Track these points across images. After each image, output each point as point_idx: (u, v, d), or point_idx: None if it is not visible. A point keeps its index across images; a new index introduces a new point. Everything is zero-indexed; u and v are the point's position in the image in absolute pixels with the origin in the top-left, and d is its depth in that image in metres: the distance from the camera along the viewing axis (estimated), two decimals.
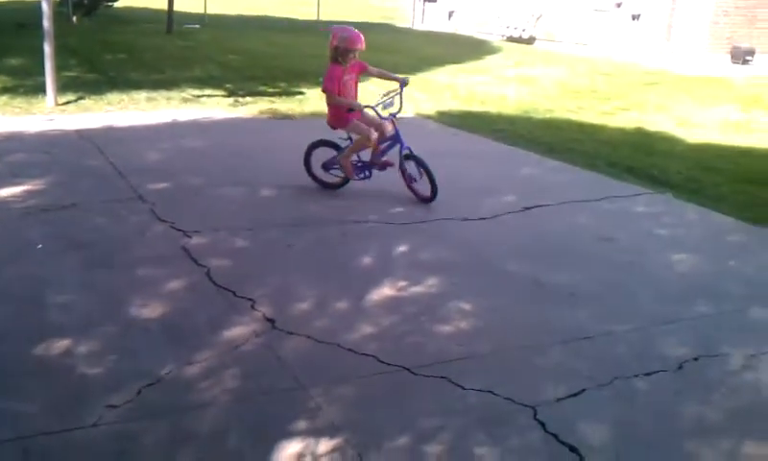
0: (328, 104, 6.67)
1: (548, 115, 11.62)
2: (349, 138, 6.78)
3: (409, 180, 6.80)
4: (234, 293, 4.73)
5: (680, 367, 4.14)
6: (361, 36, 6.47)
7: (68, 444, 3.26)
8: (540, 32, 22.55)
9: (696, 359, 4.24)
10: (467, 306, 4.73)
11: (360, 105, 6.51)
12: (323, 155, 7.06)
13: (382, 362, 4.01)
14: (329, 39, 6.51)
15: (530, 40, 22.54)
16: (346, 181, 7.03)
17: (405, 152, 6.71)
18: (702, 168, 8.54)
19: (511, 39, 22.81)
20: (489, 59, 18.51)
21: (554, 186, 7.63)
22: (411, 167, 6.74)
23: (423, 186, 6.72)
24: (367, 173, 6.97)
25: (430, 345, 4.26)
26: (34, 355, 3.90)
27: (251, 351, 4.09)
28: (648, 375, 4.03)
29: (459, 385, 3.83)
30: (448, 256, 5.60)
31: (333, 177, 7.07)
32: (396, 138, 6.72)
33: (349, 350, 4.13)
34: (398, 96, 6.66)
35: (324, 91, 6.63)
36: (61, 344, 3.99)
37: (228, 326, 4.33)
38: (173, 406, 3.56)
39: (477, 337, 4.38)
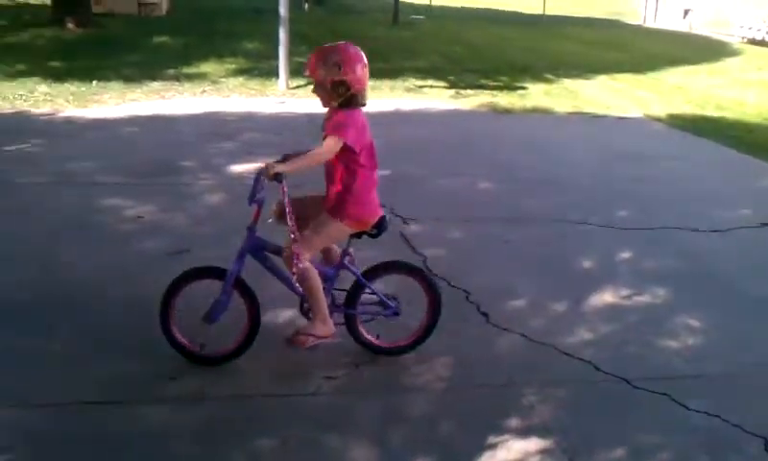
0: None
1: None
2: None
3: None
4: (449, 283, 4.74)
5: None
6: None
7: (287, 408, 3.44)
8: None
9: None
10: (694, 322, 4.44)
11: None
12: None
13: (599, 370, 3.86)
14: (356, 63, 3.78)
15: None
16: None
17: None
18: None
19: (752, 42, 21.20)
20: (727, 61, 17.31)
21: None
22: None
23: None
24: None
25: (652, 358, 4.04)
26: (263, 324, 4.11)
27: (464, 342, 4.08)
28: None
29: (682, 404, 3.60)
30: (675, 267, 5.28)
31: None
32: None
33: (565, 353, 4.01)
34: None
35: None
36: (286, 314, 4.18)
37: (443, 315, 4.33)
38: (387, 385, 3.64)
39: (705, 356, 4.10)
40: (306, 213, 3.71)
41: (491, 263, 5.18)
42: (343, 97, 3.60)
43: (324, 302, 3.64)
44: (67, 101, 9.43)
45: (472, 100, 10.94)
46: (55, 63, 11.70)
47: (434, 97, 11.09)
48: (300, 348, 3.66)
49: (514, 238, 5.64)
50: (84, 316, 4.12)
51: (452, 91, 11.47)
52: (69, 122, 8.47)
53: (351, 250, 3.83)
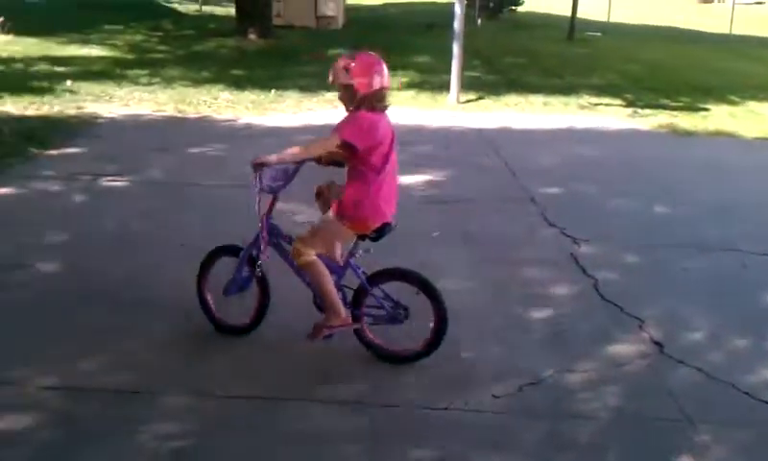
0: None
1: None
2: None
3: None
4: (621, 309, 4.54)
5: None
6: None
7: (447, 422, 3.39)
8: None
9: None
10: None
11: None
12: None
13: None
14: (378, 73, 3.69)
15: None
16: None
17: None
18: None
19: None
20: None
21: None
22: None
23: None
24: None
25: None
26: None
27: (635, 372, 3.88)
28: None
29: None
30: None
31: None
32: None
33: (746, 393, 3.72)
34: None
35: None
36: (452, 329, 4.11)
37: (613, 341, 4.16)
38: (552, 410, 3.52)
39: None
40: (330, 201, 3.83)
41: (666, 291, 4.89)
42: (354, 100, 3.64)
43: (332, 293, 3.68)
44: (247, 108, 9.88)
45: (650, 120, 10.48)
46: (237, 72, 12.32)
47: (609, 115, 10.72)
48: (317, 339, 3.72)
49: (692, 266, 5.32)
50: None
51: (629, 110, 11.05)
52: (248, 128, 8.86)
53: (360, 251, 3.79)
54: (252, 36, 16.08)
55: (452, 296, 4.54)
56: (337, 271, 3.80)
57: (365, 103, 3.63)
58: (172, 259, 4.90)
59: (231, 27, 16.90)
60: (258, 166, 3.63)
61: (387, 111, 3.74)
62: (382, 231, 3.73)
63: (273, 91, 10.88)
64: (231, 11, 17.95)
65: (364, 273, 3.82)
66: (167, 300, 4.37)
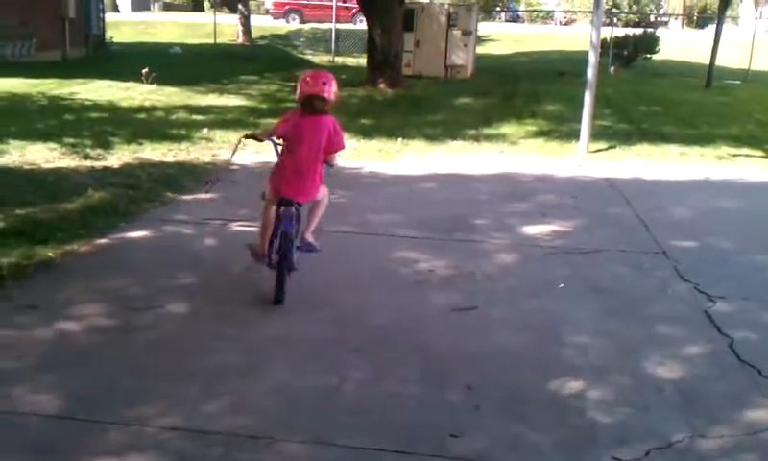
0: (315, 169, 5.07)
1: None
2: (296, 217, 5.07)
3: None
4: (760, 372, 4.24)
5: None
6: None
7: None
8: None
9: None
10: None
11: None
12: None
13: None
14: (325, 86, 4.99)
15: None
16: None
17: None
18: None
19: None
20: None
21: None
22: None
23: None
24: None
25: None
26: (548, 389, 3.97)
27: None
28: None
29: None
30: None
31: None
32: None
33: None
34: None
35: (336, 151, 5.16)
36: (575, 384, 3.99)
37: (750, 406, 3.88)
38: None
39: None
40: None
41: None
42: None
43: (261, 236, 5.15)
44: (373, 156, 10.02)
45: None
46: (365, 121, 12.56)
47: (750, 166, 10.21)
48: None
49: None
50: (373, 360, 4.24)
51: None
52: (373, 176, 8.98)
53: (282, 210, 4.97)
54: (382, 86, 16.41)
55: (577, 351, 4.44)
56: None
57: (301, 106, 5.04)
58: (296, 305, 4.97)
59: (362, 77, 17.31)
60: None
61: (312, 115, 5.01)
62: (281, 201, 4.98)
63: (399, 140, 11.01)
64: (363, 61, 18.42)
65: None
66: (290, 346, 4.42)
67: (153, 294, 5.07)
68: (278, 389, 3.90)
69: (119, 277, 5.36)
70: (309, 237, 5.29)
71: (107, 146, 9.51)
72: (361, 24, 21.12)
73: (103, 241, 6.08)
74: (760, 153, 11.03)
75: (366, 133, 11.42)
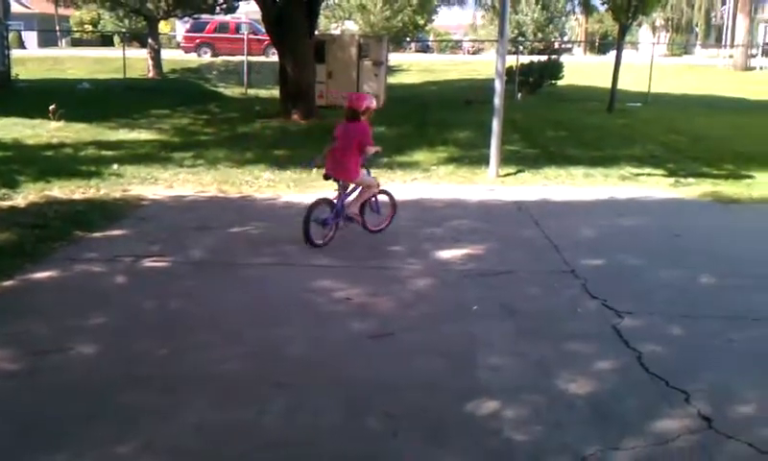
0: (348, 156, 7.11)
1: None
2: (343, 189, 7.27)
3: (369, 217, 7.51)
4: (667, 383, 4.40)
5: None
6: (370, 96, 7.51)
7: None
8: None
9: None
10: None
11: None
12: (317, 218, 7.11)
13: None
14: (358, 102, 7.23)
15: None
16: (332, 235, 7.21)
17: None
18: None
19: None
20: None
21: None
22: (378, 201, 7.63)
23: (383, 218, 7.66)
24: (376, 208, 7.60)
25: None
26: (465, 411, 4.02)
27: (682, 448, 3.73)
28: None
29: None
30: None
31: (326, 232, 7.15)
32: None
33: None
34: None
35: (366, 144, 7.13)
36: (491, 405, 4.06)
37: (659, 417, 4.02)
38: None
39: None
40: None
41: (713, 364, 4.74)
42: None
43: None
44: (288, 186, 10.01)
45: (694, 189, 10.37)
46: (279, 152, 12.56)
47: (652, 186, 10.64)
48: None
49: (738, 337, 5.16)
50: (292, 392, 4.22)
51: (671, 180, 10.95)
52: (289, 206, 8.96)
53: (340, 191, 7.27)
54: (296, 117, 16.44)
55: (492, 372, 4.52)
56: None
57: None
58: (212, 340, 4.92)
59: (275, 109, 17.30)
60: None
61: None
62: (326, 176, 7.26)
63: (314, 169, 11.02)
64: (276, 93, 18.41)
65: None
66: (208, 381, 4.36)
67: (61, 335, 4.92)
68: (196, 426, 3.84)
69: (25, 319, 5.18)
70: (351, 210, 7.30)
71: (12, 185, 9.21)
72: (273, 56, 21.12)
73: (8, 283, 5.87)
74: (661, 172, 11.51)
75: (280, 164, 11.40)
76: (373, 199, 7.55)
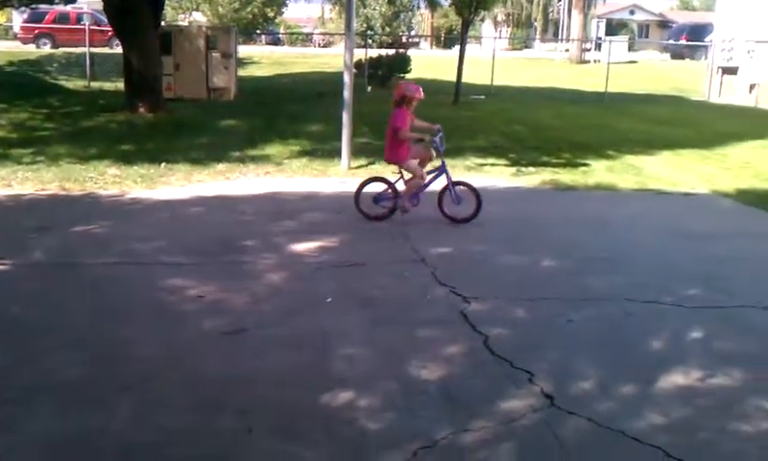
0: (393, 140, 7.80)
1: None
2: (400, 173, 8.02)
3: (447, 205, 7.95)
4: (512, 364, 4.61)
5: None
6: (420, 88, 7.87)
7: None
8: None
9: None
10: None
11: (427, 137, 7.92)
12: (369, 195, 8.03)
13: (670, 456, 3.65)
14: (396, 90, 8.02)
15: None
16: (391, 212, 7.99)
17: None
18: None
19: None
20: None
21: None
22: (455, 193, 7.91)
23: (464, 209, 7.90)
24: (416, 201, 8.00)
25: (725, 444, 3.82)
26: (320, 403, 4.06)
27: (528, 426, 3.93)
28: None
29: None
30: (748, 348, 5.03)
31: (381, 209, 8.03)
32: (441, 169, 7.98)
33: (634, 438, 3.81)
34: (442, 136, 7.93)
35: (396, 129, 7.69)
36: (345, 395, 4.12)
37: (505, 397, 4.21)
38: None
39: None
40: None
41: (554, 344, 5.02)
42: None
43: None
44: (135, 182, 9.70)
45: (534, 178, 10.87)
46: (125, 147, 12.12)
47: (495, 175, 11.06)
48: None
49: (578, 318, 5.48)
50: (142, 395, 4.12)
51: (514, 169, 11.43)
52: (136, 202, 8.70)
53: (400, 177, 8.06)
54: (142, 110, 15.90)
55: (346, 362, 4.58)
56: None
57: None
58: (56, 345, 4.71)
59: (121, 102, 16.66)
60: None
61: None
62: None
63: (162, 165, 10.73)
64: (121, 85, 17.71)
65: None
66: (51, 389, 4.17)
67: None
68: (40, 437, 3.67)
69: None
70: (402, 201, 7.93)
71: None
72: (118, 48, 20.26)
73: None
74: (504, 161, 12.00)
75: (127, 159, 11.02)
76: (454, 189, 7.93)
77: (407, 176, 8.02)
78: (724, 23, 26.15)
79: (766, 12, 23.33)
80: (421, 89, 7.87)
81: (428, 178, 8.05)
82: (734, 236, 8.00)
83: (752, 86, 24.43)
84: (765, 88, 23.84)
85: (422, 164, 8.03)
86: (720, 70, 26.11)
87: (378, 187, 8.14)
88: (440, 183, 8.04)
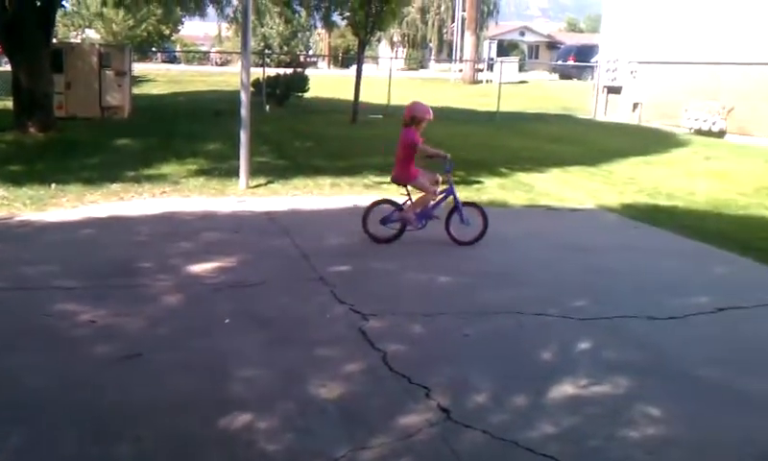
0: (404, 160, 7.97)
1: (742, 212, 10.95)
2: (408, 195, 8.08)
3: (454, 227, 8.09)
4: (409, 379, 4.69)
5: None
6: (430, 109, 7.95)
7: None
8: (732, 125, 21.53)
9: None
10: (655, 412, 4.42)
11: (447, 154, 8.00)
12: (379, 214, 8.13)
13: None
14: (406, 111, 8.01)
15: (720, 133, 21.57)
16: (399, 233, 8.07)
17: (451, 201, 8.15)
18: None
19: (699, 132, 21.95)
20: (676, 152, 17.86)
21: (750, 287, 7.11)
22: (463, 214, 8.01)
23: (472, 231, 8.02)
24: (423, 223, 8.12)
25: (613, 451, 4.00)
26: (218, 426, 4.03)
27: (425, 441, 4.01)
28: None
29: None
30: (633, 357, 5.29)
31: (390, 230, 8.08)
32: (449, 191, 8.10)
33: (528, 449, 3.95)
34: (451, 160, 8.05)
35: (413, 145, 7.83)
36: (244, 418, 4.10)
37: (403, 413, 4.28)
38: None
39: (667, 446, 4.07)
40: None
41: (450, 358, 5.14)
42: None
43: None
44: (24, 204, 9.35)
45: None
46: (14, 167, 11.69)
47: (394, 193, 11.16)
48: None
49: (473, 331, 5.63)
50: (32, 426, 3.99)
51: None
52: (25, 225, 8.40)
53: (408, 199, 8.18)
54: (32, 130, 15.37)
55: (245, 384, 4.56)
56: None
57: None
58: None
59: (9, 121, 16.04)
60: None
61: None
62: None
63: (53, 185, 10.39)
64: (9, 104, 17.05)
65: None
66: None
67: None
68: None
69: None
70: (406, 213, 8.07)
71: None
72: (6, 66, 19.52)
73: None
74: None
75: (16, 180, 10.60)
76: (461, 212, 8.03)
77: (415, 196, 8.12)
78: (608, 45, 27.32)
79: (647, 34, 24.54)
80: (431, 110, 7.97)
81: (438, 198, 8.17)
82: (619, 249, 8.38)
83: (635, 105, 25.61)
84: (647, 107, 25.05)
85: (425, 199, 8.15)
86: (605, 89, 27.26)
87: (385, 210, 8.21)
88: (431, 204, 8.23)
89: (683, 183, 13.17)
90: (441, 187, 8.14)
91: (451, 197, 8.14)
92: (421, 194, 8.10)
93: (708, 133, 21.67)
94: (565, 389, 4.68)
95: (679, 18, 23.17)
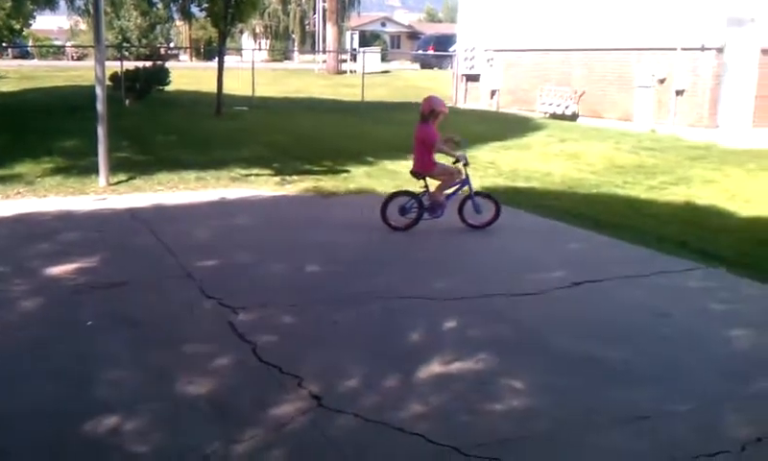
0: (422, 153, 8.27)
1: (594, 191, 11.55)
2: (426, 186, 8.38)
3: (468, 213, 8.40)
4: (280, 369, 4.69)
5: (743, 448, 3.96)
6: (445, 103, 8.49)
7: None
8: (584, 108, 22.61)
9: (759, 440, 4.06)
10: (518, 384, 4.61)
11: (464, 154, 8.40)
12: (396, 206, 8.35)
13: (431, 442, 3.91)
14: (423, 105, 8.35)
15: (573, 117, 22.60)
16: (416, 221, 8.29)
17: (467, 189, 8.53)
18: (756, 242, 8.35)
19: (554, 116, 22.91)
20: (532, 135, 18.59)
21: (603, 261, 7.51)
22: (476, 202, 8.37)
23: (484, 217, 8.39)
24: (440, 212, 8.39)
25: (481, 424, 4.15)
26: (82, 433, 3.90)
27: (297, 429, 4.02)
28: (710, 456, 3.86)
29: None
30: (496, 333, 5.49)
31: (407, 220, 8.31)
32: (465, 181, 8.51)
33: (398, 428, 4.03)
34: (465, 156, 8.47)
35: (432, 143, 8.21)
36: (110, 421, 3.98)
37: (275, 403, 4.27)
38: None
39: (530, 417, 4.26)
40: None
41: (321, 345, 5.17)
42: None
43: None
44: None
45: (298, 185, 11.07)
46: None
47: (260, 185, 11.12)
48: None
49: (342, 318, 5.69)
50: None
51: (278, 178, 11.57)
52: None
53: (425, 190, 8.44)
54: None
55: (111, 387, 4.43)
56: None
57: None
58: None
59: None
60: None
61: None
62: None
63: None
64: None
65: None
66: None
67: None
68: None
69: None
70: (434, 197, 8.37)
71: None
72: None
73: None
74: (268, 171, 12.11)
75: None
76: (475, 199, 8.37)
77: (432, 187, 8.44)
78: (466, 34, 28.00)
79: (502, 23, 25.35)
80: (446, 104, 8.47)
81: (454, 188, 8.57)
82: (481, 231, 8.65)
83: (492, 92, 26.41)
84: (504, 94, 25.91)
85: (446, 184, 8.50)
86: (464, 78, 27.97)
87: (403, 200, 8.42)
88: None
89: (539, 166, 13.74)
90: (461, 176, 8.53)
91: (467, 187, 8.54)
92: (438, 183, 8.49)
93: (562, 117, 22.65)
94: (432, 368, 4.79)
95: (531, 7, 24.05)
